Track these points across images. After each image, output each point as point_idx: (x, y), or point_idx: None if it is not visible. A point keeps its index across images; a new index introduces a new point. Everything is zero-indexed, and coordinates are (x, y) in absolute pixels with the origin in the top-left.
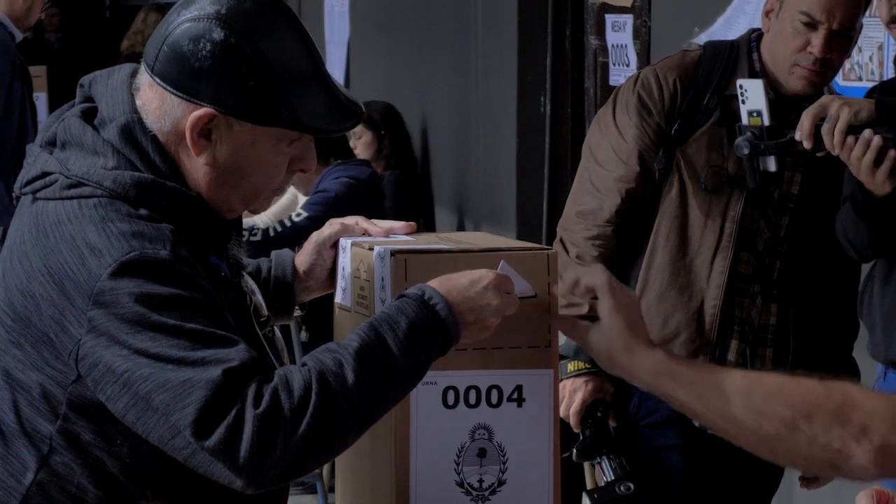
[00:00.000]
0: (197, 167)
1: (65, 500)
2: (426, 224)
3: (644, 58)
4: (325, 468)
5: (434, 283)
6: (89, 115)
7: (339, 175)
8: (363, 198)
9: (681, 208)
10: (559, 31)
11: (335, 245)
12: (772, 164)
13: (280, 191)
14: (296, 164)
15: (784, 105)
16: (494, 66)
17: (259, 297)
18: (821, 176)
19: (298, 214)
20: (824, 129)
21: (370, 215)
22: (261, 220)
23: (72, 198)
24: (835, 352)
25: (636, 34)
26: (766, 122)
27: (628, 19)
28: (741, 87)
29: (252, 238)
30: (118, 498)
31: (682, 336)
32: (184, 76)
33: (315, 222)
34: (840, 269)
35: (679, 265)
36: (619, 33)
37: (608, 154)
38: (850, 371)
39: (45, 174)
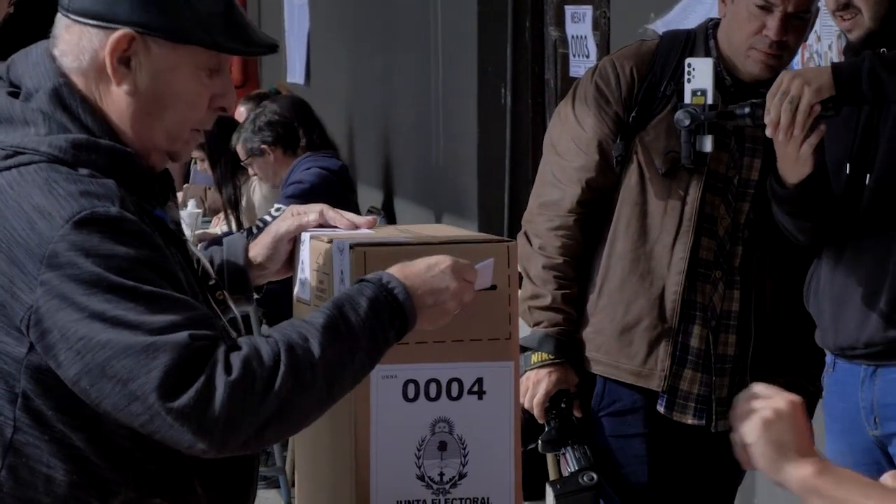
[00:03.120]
0: (119, 100)
1: (37, 482)
2: (387, 216)
3: (604, 49)
4: (288, 462)
5: (392, 269)
6: (15, 96)
7: (311, 166)
8: (336, 188)
9: (640, 195)
10: (519, 22)
11: (293, 238)
12: (707, 145)
13: (200, 132)
14: (217, 101)
15: (742, 91)
16: (455, 58)
17: (206, 263)
18: None
19: (278, 209)
20: (786, 110)
21: (341, 207)
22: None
23: (10, 167)
24: (799, 340)
25: (596, 25)
26: (710, 101)
27: (588, 10)
28: (689, 65)
29: None
30: (89, 476)
31: (643, 322)
32: (99, 3)
33: None
34: (802, 256)
35: (640, 252)
36: (579, 24)
37: (568, 145)
38: (818, 362)
39: None
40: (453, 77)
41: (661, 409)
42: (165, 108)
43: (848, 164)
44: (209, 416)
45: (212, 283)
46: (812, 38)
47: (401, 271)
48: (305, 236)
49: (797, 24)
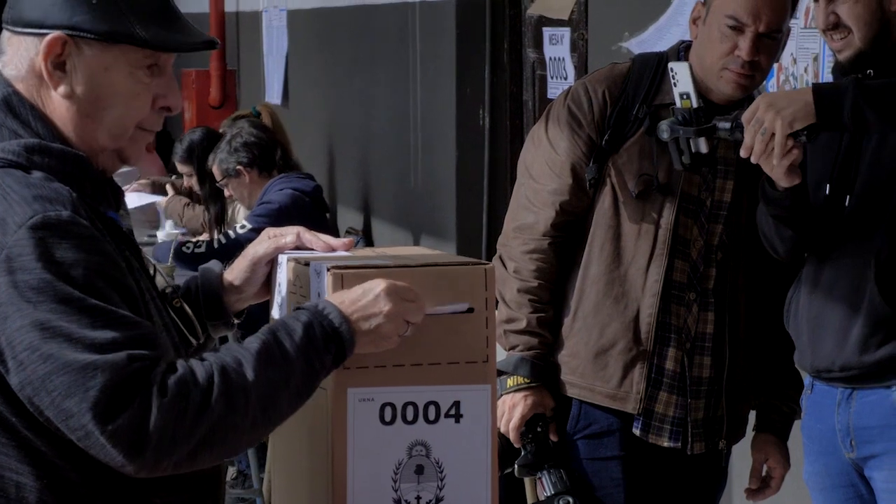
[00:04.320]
0: (59, 104)
1: (8, 488)
2: (365, 237)
3: (581, 70)
4: (265, 484)
5: (329, 297)
6: None
7: (283, 187)
8: (307, 209)
9: (614, 218)
10: (497, 44)
11: (271, 261)
12: (703, 146)
13: (147, 132)
14: (160, 101)
15: (713, 112)
16: (433, 79)
17: (161, 269)
18: (753, 183)
19: (243, 226)
20: (759, 140)
21: (315, 228)
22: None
23: None
24: (775, 362)
25: (573, 47)
26: (695, 104)
27: (566, 32)
28: (672, 69)
29: (197, 250)
30: (59, 481)
31: (618, 345)
32: (33, 10)
33: (259, 234)
34: (777, 277)
35: (614, 275)
36: (557, 46)
37: (542, 168)
38: (793, 383)
39: None
40: (431, 98)
41: (636, 431)
42: (104, 109)
43: (828, 185)
44: (141, 439)
45: (168, 290)
46: (787, 60)
47: (337, 297)
48: (283, 258)
49: (769, 44)
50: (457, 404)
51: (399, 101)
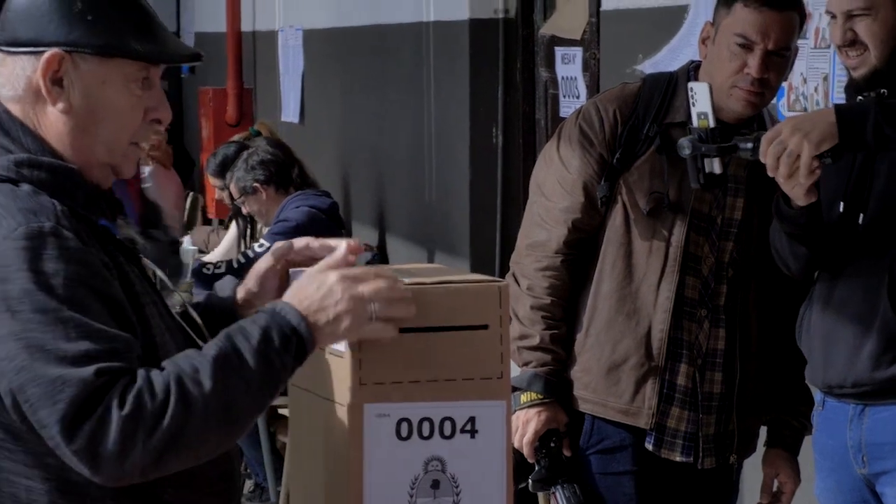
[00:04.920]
0: (56, 119)
1: (19, 493)
2: (380, 254)
3: (593, 89)
4: (282, 498)
5: (286, 297)
6: None
7: (300, 204)
8: (324, 226)
9: (626, 235)
10: (510, 63)
11: (281, 274)
12: (717, 166)
13: (139, 145)
14: (151, 113)
15: (724, 131)
16: (447, 98)
17: (162, 274)
18: (763, 201)
19: (261, 245)
20: (784, 163)
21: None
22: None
23: None
24: (786, 377)
25: (585, 66)
26: (712, 124)
27: (577, 52)
28: (691, 88)
29: (217, 271)
30: (67, 484)
31: (630, 361)
32: (27, 30)
33: None
34: (787, 294)
35: (625, 291)
36: (569, 66)
37: (554, 187)
38: (804, 399)
39: None
40: (446, 117)
41: (649, 446)
42: (100, 122)
43: (842, 203)
44: (101, 452)
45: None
46: (798, 79)
47: (294, 297)
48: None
49: (777, 62)
50: (472, 420)
51: (413, 119)
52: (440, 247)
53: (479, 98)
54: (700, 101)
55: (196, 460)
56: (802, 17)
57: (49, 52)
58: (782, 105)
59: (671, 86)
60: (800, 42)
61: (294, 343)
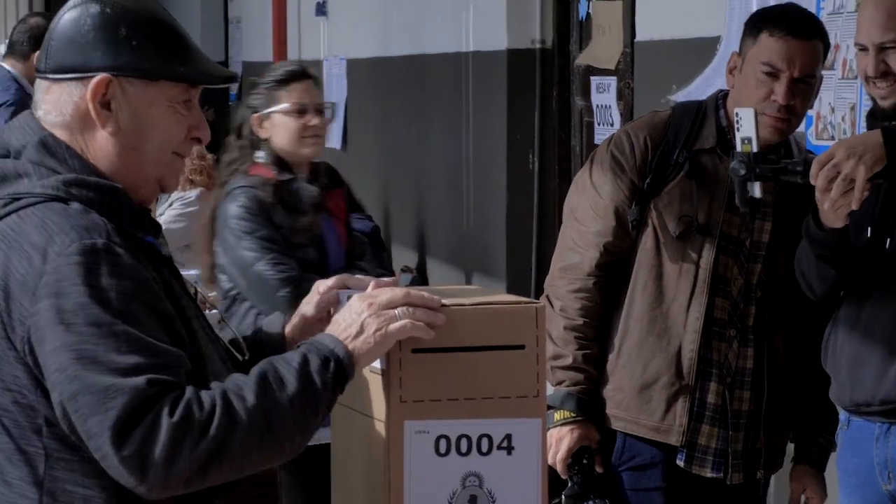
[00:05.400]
0: (105, 141)
1: (76, 501)
2: (420, 276)
3: (627, 117)
4: None
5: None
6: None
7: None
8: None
9: (656, 258)
10: (546, 92)
11: (327, 315)
12: (758, 191)
13: (182, 158)
14: (193, 131)
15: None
16: (485, 125)
17: (202, 289)
18: (791, 224)
19: None
20: (838, 186)
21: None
22: None
23: (9, 213)
24: (811, 395)
25: (619, 95)
26: (755, 149)
27: (612, 81)
28: (737, 113)
29: None
30: (123, 492)
31: (662, 380)
32: (74, 57)
33: None
34: (813, 315)
35: (656, 312)
36: (604, 94)
37: (586, 212)
38: (830, 417)
39: None
40: (483, 143)
41: (680, 462)
42: (147, 141)
43: (869, 228)
44: (150, 459)
45: (209, 307)
46: (826, 109)
47: (330, 329)
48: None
49: (803, 89)
50: (508, 437)
51: (452, 145)
52: (478, 269)
53: (516, 125)
54: (745, 125)
55: (238, 473)
56: (826, 45)
57: (98, 77)
58: (811, 133)
59: (700, 114)
60: (828, 73)
61: (332, 363)
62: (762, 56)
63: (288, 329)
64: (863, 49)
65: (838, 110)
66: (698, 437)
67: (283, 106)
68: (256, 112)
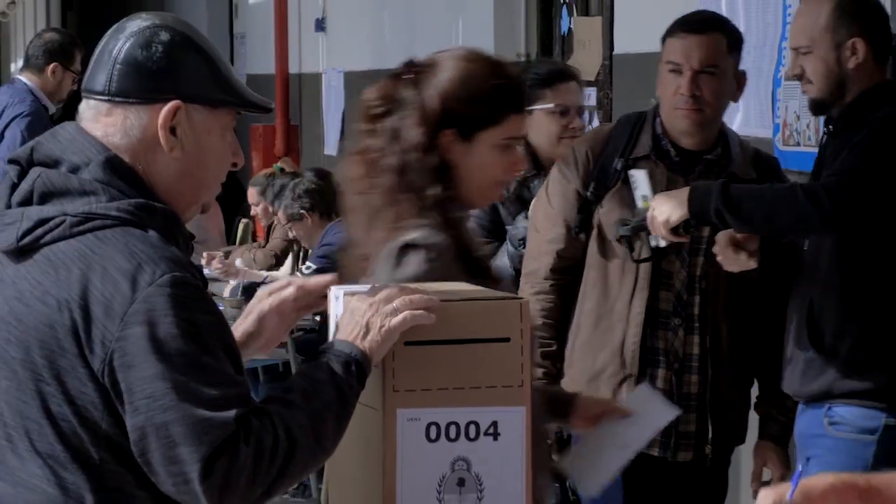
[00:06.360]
0: (167, 165)
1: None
2: None
3: None
4: (323, 494)
5: (336, 335)
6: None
7: (342, 230)
8: None
9: (602, 260)
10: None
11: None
12: (662, 241)
13: (222, 182)
14: (232, 157)
15: (687, 159)
16: None
17: (223, 304)
18: None
19: (308, 267)
20: (652, 225)
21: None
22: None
23: (84, 232)
24: (766, 377)
25: (599, 105)
26: None
27: (592, 92)
28: (632, 176)
29: None
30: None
31: (608, 370)
32: (144, 82)
33: (323, 273)
34: (760, 301)
35: (603, 309)
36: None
37: (542, 222)
38: (781, 402)
39: (43, 221)
40: None
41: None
42: (205, 166)
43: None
44: (232, 487)
45: None
46: (791, 117)
47: (339, 332)
48: (339, 292)
49: (707, 79)
50: (495, 424)
51: None
52: None
53: None
54: (641, 184)
55: (293, 485)
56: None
57: (171, 104)
58: (778, 140)
59: (639, 123)
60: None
61: (353, 366)
62: (666, 56)
63: (237, 334)
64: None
65: (803, 118)
66: None
67: (548, 106)
68: None
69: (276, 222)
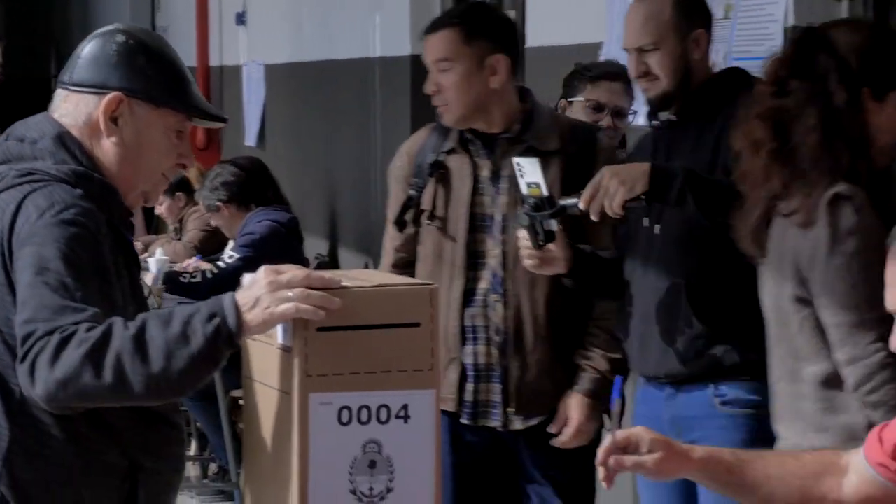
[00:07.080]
0: (108, 149)
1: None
2: (331, 262)
3: None
4: (243, 478)
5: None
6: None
7: (262, 218)
8: (283, 239)
9: (425, 251)
10: None
11: None
12: (554, 225)
13: (167, 178)
14: (180, 158)
15: (488, 141)
16: (391, 125)
17: (149, 286)
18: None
19: (231, 256)
20: (597, 200)
21: (290, 256)
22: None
23: (23, 183)
24: (578, 341)
25: None
26: (545, 193)
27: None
28: (518, 164)
29: (193, 280)
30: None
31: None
32: (95, 74)
33: (246, 262)
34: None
35: None
36: None
37: (389, 224)
38: (607, 348)
39: None
40: (389, 142)
41: (465, 420)
42: (143, 157)
43: (646, 218)
44: (40, 363)
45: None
46: None
47: (238, 292)
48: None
49: (443, 73)
50: (405, 407)
51: (361, 144)
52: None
53: (418, 126)
54: (529, 172)
55: (113, 393)
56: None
57: (112, 95)
58: None
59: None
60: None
61: (217, 320)
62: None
63: None
64: (628, 52)
65: None
66: (478, 395)
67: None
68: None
69: (185, 216)
